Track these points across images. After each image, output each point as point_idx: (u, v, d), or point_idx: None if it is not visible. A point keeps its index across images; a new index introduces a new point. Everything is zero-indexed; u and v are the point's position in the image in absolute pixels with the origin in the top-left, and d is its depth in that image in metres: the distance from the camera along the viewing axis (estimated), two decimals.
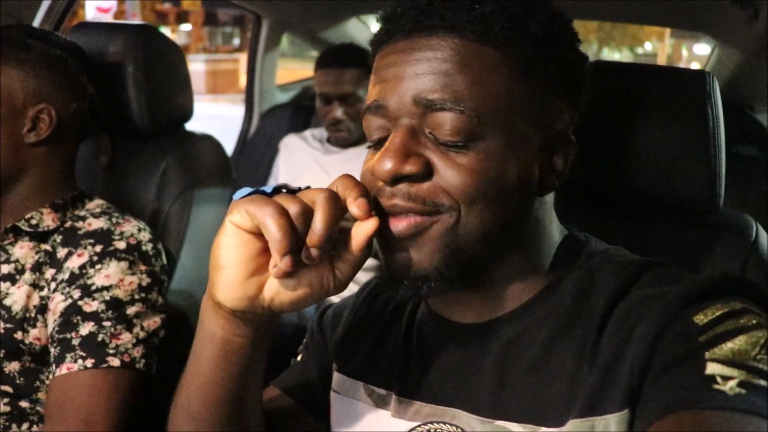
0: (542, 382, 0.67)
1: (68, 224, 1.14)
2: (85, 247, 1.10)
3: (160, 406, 0.81)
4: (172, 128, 1.43)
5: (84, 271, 1.08)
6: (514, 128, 0.66)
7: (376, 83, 0.69)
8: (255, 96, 2.97)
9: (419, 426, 0.73)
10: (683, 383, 0.57)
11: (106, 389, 1.02)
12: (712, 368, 0.57)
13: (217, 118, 4.71)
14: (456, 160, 0.64)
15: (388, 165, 0.64)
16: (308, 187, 0.65)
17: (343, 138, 2.21)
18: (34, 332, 1.08)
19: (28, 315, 1.08)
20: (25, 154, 1.14)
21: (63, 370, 1.02)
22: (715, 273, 0.65)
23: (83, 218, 1.15)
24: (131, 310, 1.08)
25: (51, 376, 1.04)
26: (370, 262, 1.98)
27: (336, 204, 0.62)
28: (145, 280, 1.11)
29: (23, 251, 1.12)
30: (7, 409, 1.09)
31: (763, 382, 0.56)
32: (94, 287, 1.07)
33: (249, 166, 2.71)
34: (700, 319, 0.60)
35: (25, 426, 1.10)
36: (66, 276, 1.08)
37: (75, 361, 1.02)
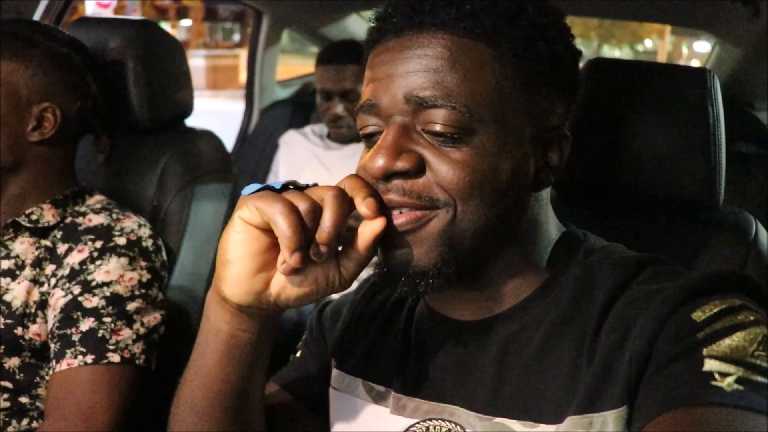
0: (541, 379, 0.67)
1: (68, 220, 1.14)
2: (86, 243, 1.10)
3: (160, 401, 0.82)
4: (172, 124, 1.43)
5: (84, 267, 1.08)
6: (506, 123, 0.66)
7: (368, 82, 0.70)
8: (255, 92, 2.97)
9: (418, 423, 0.73)
10: (681, 380, 0.57)
11: (106, 385, 1.02)
12: (709, 365, 0.57)
13: (217, 113, 4.71)
14: (449, 155, 0.65)
15: (380, 162, 0.64)
16: (315, 185, 0.65)
17: (344, 134, 2.21)
18: (34, 328, 1.08)
19: (28, 311, 1.08)
20: (27, 151, 1.13)
21: (63, 365, 1.02)
22: (713, 269, 0.65)
23: (83, 214, 1.15)
24: (131, 306, 1.08)
25: (51, 372, 1.04)
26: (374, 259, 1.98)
27: (345, 202, 0.63)
28: (146, 276, 1.12)
29: (23, 247, 1.12)
30: (7, 404, 1.09)
31: (761, 379, 0.56)
32: (94, 283, 1.07)
33: (249, 162, 2.71)
34: (698, 315, 0.60)
35: (25, 422, 1.10)
36: (66, 272, 1.08)
37: (75, 357, 1.02)
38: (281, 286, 0.66)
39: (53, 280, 1.09)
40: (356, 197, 0.64)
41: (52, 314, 1.07)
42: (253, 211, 0.63)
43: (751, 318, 0.60)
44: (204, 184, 1.39)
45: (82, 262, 1.08)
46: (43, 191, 1.16)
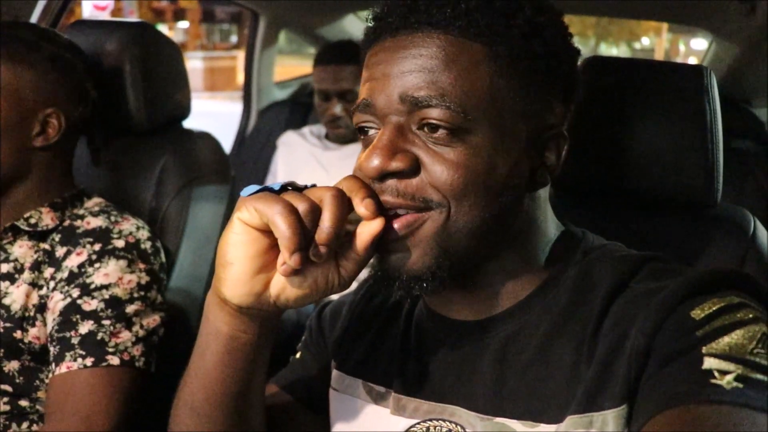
0: (541, 379, 0.67)
1: (67, 223, 1.14)
2: (84, 246, 1.10)
3: (160, 404, 0.81)
4: (169, 126, 1.43)
5: (83, 270, 1.08)
6: (501, 122, 0.66)
7: (365, 81, 0.70)
8: (253, 93, 2.97)
9: (418, 423, 0.73)
10: (680, 378, 0.57)
11: (106, 388, 1.02)
12: (709, 363, 0.57)
13: (214, 115, 4.71)
14: (444, 155, 0.65)
15: (375, 162, 0.64)
16: (314, 185, 0.65)
17: (342, 134, 2.21)
18: (33, 331, 1.08)
19: (27, 314, 1.08)
20: (30, 157, 1.13)
21: (62, 368, 1.02)
22: (712, 267, 0.66)
23: (82, 217, 1.15)
24: (130, 309, 1.08)
25: (50, 375, 1.04)
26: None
27: (343, 203, 0.63)
28: (144, 279, 1.11)
29: (22, 250, 1.12)
30: (7, 408, 1.09)
31: (760, 376, 0.56)
32: (93, 286, 1.06)
33: (247, 163, 2.71)
34: (697, 313, 0.60)
35: (24, 425, 1.10)
36: (65, 275, 1.08)
37: (74, 360, 1.02)
38: (281, 287, 0.66)
39: (52, 284, 1.09)
40: (355, 198, 0.64)
41: (51, 317, 1.07)
42: (252, 212, 0.63)
43: (750, 316, 0.60)
44: (202, 186, 1.39)
45: (81, 265, 1.08)
46: (42, 195, 1.16)
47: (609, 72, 0.94)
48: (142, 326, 1.08)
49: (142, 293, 1.10)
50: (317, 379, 0.86)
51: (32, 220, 1.13)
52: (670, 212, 0.94)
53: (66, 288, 1.07)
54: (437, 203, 0.65)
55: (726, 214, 0.94)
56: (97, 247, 1.10)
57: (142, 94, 1.33)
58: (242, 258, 0.65)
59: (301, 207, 0.61)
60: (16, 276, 1.10)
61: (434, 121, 0.64)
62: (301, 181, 0.67)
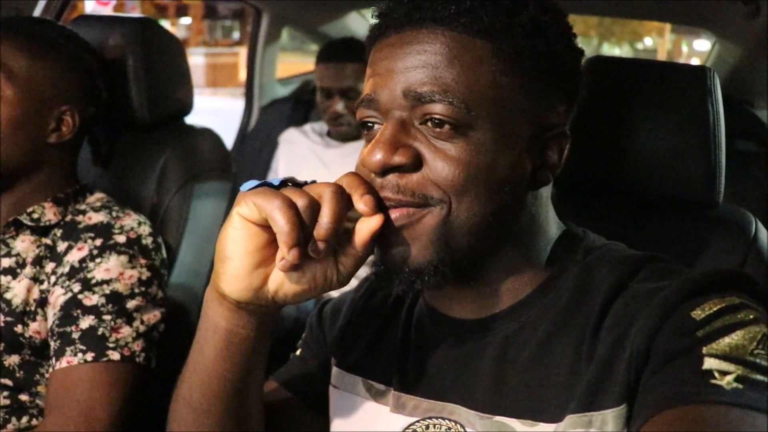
0: (541, 378, 0.67)
1: (69, 218, 1.14)
2: (85, 241, 1.10)
3: (160, 399, 0.81)
4: (171, 122, 1.43)
5: (84, 265, 1.08)
6: (503, 120, 0.66)
7: (369, 77, 0.70)
8: (255, 90, 2.96)
9: (418, 421, 0.73)
10: (680, 378, 0.57)
11: (106, 383, 1.02)
12: (709, 363, 0.57)
13: (216, 111, 4.70)
14: (445, 151, 0.65)
15: (377, 156, 0.64)
16: (314, 181, 0.65)
17: (344, 132, 2.21)
18: (34, 326, 1.08)
19: (28, 308, 1.08)
20: (42, 152, 1.14)
21: (63, 363, 1.02)
22: (713, 267, 0.65)
23: (83, 212, 1.15)
24: (131, 304, 1.08)
25: (51, 370, 1.04)
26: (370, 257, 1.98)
27: (343, 199, 0.63)
28: (145, 274, 1.12)
29: (24, 245, 1.12)
30: (7, 402, 1.09)
31: (760, 377, 0.56)
32: (94, 281, 1.07)
33: (249, 159, 2.71)
34: (698, 314, 0.60)
35: (24, 419, 1.10)
36: (66, 269, 1.08)
37: (75, 355, 1.02)
38: (279, 282, 0.66)
39: (53, 278, 1.09)
40: (354, 194, 0.64)
41: (52, 312, 1.07)
42: (251, 207, 0.63)
43: (751, 316, 0.60)
44: (204, 182, 1.39)
45: (82, 260, 1.08)
46: (47, 190, 1.17)
47: (611, 72, 0.94)
48: (142, 322, 1.08)
49: (143, 289, 1.10)
50: (317, 376, 0.86)
51: (35, 215, 1.13)
52: (672, 212, 0.94)
53: (67, 283, 1.07)
54: (438, 200, 0.65)
55: (727, 214, 0.94)
56: (98, 242, 1.10)
57: (145, 89, 1.33)
58: (241, 253, 0.65)
59: (300, 202, 0.62)
60: (18, 270, 1.10)
61: (437, 117, 0.64)
62: (302, 179, 0.67)
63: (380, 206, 0.66)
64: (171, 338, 1.14)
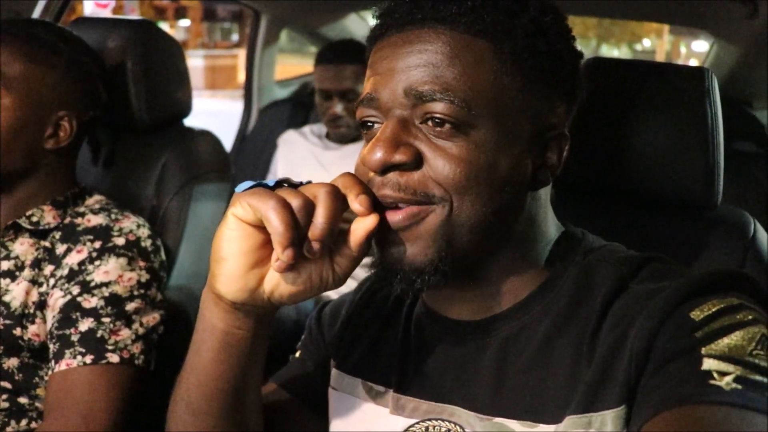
0: (540, 379, 0.67)
1: (68, 220, 1.14)
2: (84, 244, 1.10)
3: (159, 401, 0.81)
4: (170, 124, 1.43)
5: (83, 268, 1.08)
6: (504, 119, 0.66)
7: (370, 76, 0.70)
8: (254, 92, 2.97)
9: (417, 423, 0.73)
10: (680, 379, 0.57)
11: (105, 385, 1.02)
12: (708, 364, 0.57)
13: (215, 113, 4.70)
14: (446, 150, 0.65)
15: (378, 154, 0.65)
16: (309, 182, 0.65)
17: (343, 134, 2.21)
18: (32, 328, 1.08)
19: (27, 311, 1.08)
20: (39, 157, 1.14)
21: (62, 366, 1.02)
22: (712, 268, 0.65)
23: (82, 214, 1.15)
24: (130, 306, 1.08)
25: (50, 372, 1.04)
26: (368, 258, 1.98)
27: (338, 199, 0.63)
28: (144, 276, 1.11)
29: (23, 248, 1.12)
30: (6, 405, 1.09)
31: (759, 378, 0.56)
32: (93, 283, 1.07)
33: (248, 161, 2.71)
34: (697, 315, 0.61)
35: (24, 422, 1.10)
36: (65, 272, 1.08)
37: (74, 357, 1.02)
38: (275, 283, 0.66)
39: (52, 281, 1.09)
40: (349, 194, 0.64)
41: (51, 315, 1.07)
42: (246, 207, 0.63)
43: (750, 317, 0.60)
44: (203, 184, 1.39)
45: (81, 263, 1.08)
46: (46, 194, 1.16)
47: (610, 73, 0.94)
48: (141, 324, 1.08)
49: (142, 291, 1.10)
50: (316, 378, 0.86)
51: (34, 218, 1.13)
52: (671, 214, 0.94)
53: (66, 285, 1.07)
54: (439, 198, 0.65)
55: (726, 215, 0.94)
56: (97, 244, 1.10)
57: (144, 91, 1.33)
58: (236, 254, 0.65)
59: (295, 203, 0.62)
60: (17, 273, 1.10)
61: (438, 116, 0.64)
62: (300, 181, 0.67)
63: (377, 207, 0.66)
64: (170, 340, 1.14)
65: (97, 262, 1.08)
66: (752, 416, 0.54)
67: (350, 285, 0.92)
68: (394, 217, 0.66)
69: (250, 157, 2.72)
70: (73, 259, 1.09)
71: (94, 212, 1.15)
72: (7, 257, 1.11)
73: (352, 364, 0.81)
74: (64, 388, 1.02)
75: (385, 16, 0.70)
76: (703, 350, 0.58)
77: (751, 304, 0.62)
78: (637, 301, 0.65)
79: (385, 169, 0.65)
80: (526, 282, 0.72)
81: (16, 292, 1.09)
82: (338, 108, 2.15)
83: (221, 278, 0.66)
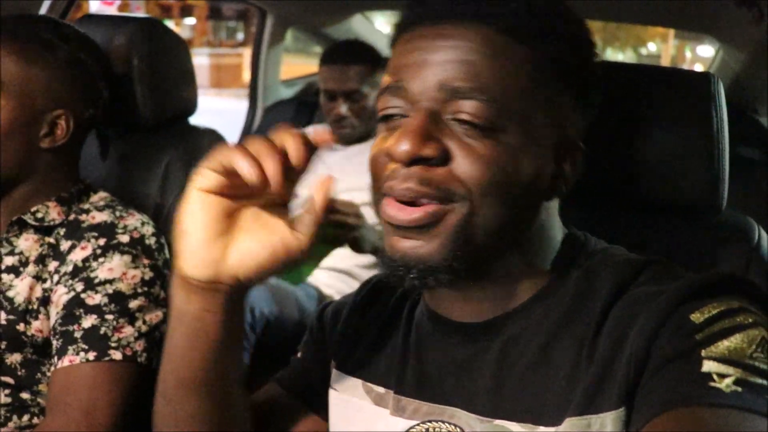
0: (541, 381, 0.67)
1: (72, 217, 1.14)
2: (89, 240, 1.10)
3: None
4: (176, 122, 1.43)
5: (87, 264, 1.08)
6: (533, 126, 0.66)
7: (397, 67, 0.69)
8: (259, 91, 2.97)
9: (418, 424, 0.73)
10: (679, 381, 0.57)
11: (108, 382, 1.02)
12: (708, 366, 0.57)
13: (220, 112, 4.70)
14: (474, 149, 0.64)
15: (405, 146, 0.64)
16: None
17: (347, 134, 2.21)
18: (36, 324, 1.08)
19: (30, 307, 1.08)
20: (35, 157, 1.13)
21: (65, 362, 1.03)
22: (712, 271, 0.66)
23: (87, 211, 1.15)
24: (134, 304, 1.08)
25: (53, 369, 1.05)
26: (370, 259, 1.98)
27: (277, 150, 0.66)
28: (148, 274, 1.12)
29: (28, 243, 1.13)
30: (8, 400, 1.10)
31: (759, 380, 0.56)
32: (97, 280, 1.07)
33: None
34: (697, 317, 0.60)
35: (25, 418, 1.10)
36: (69, 269, 1.08)
37: (77, 354, 1.02)
38: (240, 254, 0.67)
39: (56, 277, 1.09)
40: (287, 142, 0.68)
41: (55, 311, 1.07)
42: (206, 174, 0.65)
43: (750, 320, 0.60)
44: None
45: (85, 260, 1.08)
46: (48, 191, 1.16)
47: (615, 77, 0.94)
48: (145, 322, 1.08)
49: (146, 289, 1.10)
50: (318, 378, 0.86)
51: (39, 215, 1.14)
52: (674, 218, 0.94)
53: (70, 282, 1.07)
54: (461, 196, 0.65)
55: (730, 221, 0.94)
56: (101, 241, 1.10)
57: (149, 89, 1.33)
58: (199, 225, 0.66)
59: (251, 148, 0.64)
60: (21, 269, 1.10)
61: (470, 113, 0.64)
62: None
63: (387, 194, 0.67)
64: None
65: (101, 259, 1.08)
66: (752, 419, 0.54)
67: (352, 285, 0.92)
68: (413, 215, 0.65)
69: None
70: (77, 256, 1.09)
71: (99, 209, 1.16)
72: (12, 253, 1.12)
73: (353, 364, 0.81)
74: (66, 384, 1.02)
75: (418, 5, 0.69)
76: (703, 352, 0.58)
77: (751, 307, 0.62)
78: (637, 304, 0.65)
79: (411, 161, 0.65)
80: (529, 285, 0.72)
81: (20, 288, 1.09)
82: (343, 108, 2.15)
83: (185, 254, 0.67)
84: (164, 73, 1.37)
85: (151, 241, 1.15)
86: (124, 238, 1.12)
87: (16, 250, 1.12)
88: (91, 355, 1.02)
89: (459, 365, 0.73)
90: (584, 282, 0.70)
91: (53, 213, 1.14)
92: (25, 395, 1.10)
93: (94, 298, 1.06)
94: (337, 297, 2.10)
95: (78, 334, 1.04)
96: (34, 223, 1.13)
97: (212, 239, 0.66)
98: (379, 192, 0.69)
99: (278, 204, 0.70)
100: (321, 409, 0.84)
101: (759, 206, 1.97)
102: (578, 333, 0.67)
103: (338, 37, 2.80)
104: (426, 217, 0.65)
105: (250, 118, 2.98)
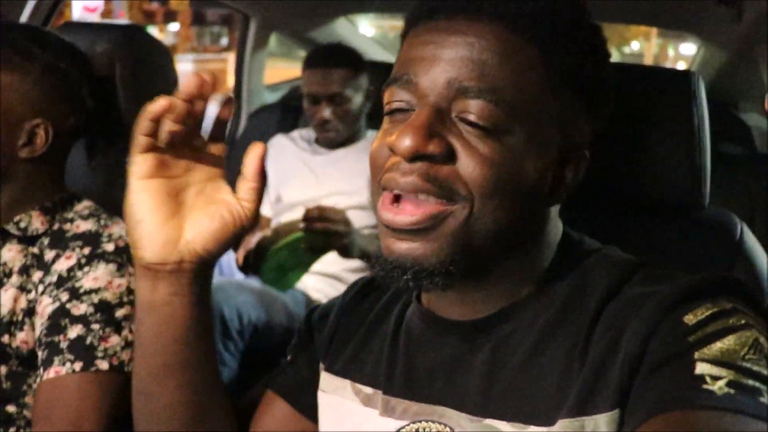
0: (532, 381, 0.67)
1: (56, 226, 1.13)
2: (73, 250, 1.09)
3: None
4: None
5: (72, 274, 1.07)
6: (539, 130, 0.66)
7: (406, 59, 0.68)
8: (243, 96, 2.96)
9: (408, 425, 0.73)
10: (672, 383, 0.58)
11: (95, 393, 1.01)
12: (701, 368, 0.57)
13: (205, 117, 4.69)
14: (479, 149, 0.64)
15: (410, 141, 0.63)
16: None
17: (331, 138, 2.20)
18: (21, 336, 1.07)
19: (15, 318, 1.07)
20: (16, 167, 1.12)
21: (51, 373, 1.02)
22: (705, 273, 0.66)
23: (71, 220, 1.14)
24: (120, 313, 1.07)
25: (39, 380, 1.03)
26: (358, 263, 1.98)
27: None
28: (134, 283, 1.11)
29: (11, 254, 1.11)
30: None
31: (751, 382, 0.56)
32: (82, 290, 1.06)
33: (237, 166, 2.68)
34: (690, 319, 0.61)
35: (12, 431, 1.09)
36: (54, 279, 1.07)
37: (63, 365, 1.01)
38: (195, 230, 0.71)
39: (41, 287, 1.08)
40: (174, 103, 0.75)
41: (40, 322, 1.06)
42: (138, 160, 0.71)
43: (743, 322, 0.60)
44: None
45: (70, 269, 1.07)
46: (31, 200, 1.15)
47: None
48: (131, 331, 1.07)
49: (132, 297, 1.09)
50: (307, 381, 0.86)
51: (22, 224, 1.12)
52: (657, 216, 0.94)
53: (55, 292, 1.06)
54: (463, 197, 0.64)
55: (713, 217, 0.94)
56: (86, 250, 1.09)
57: (133, 97, 1.32)
58: (148, 211, 0.70)
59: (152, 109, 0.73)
60: (4, 280, 1.09)
61: (477, 114, 0.63)
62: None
63: (387, 190, 0.67)
64: None
65: (86, 269, 1.07)
66: (745, 420, 0.54)
67: (340, 290, 0.92)
68: (411, 218, 0.65)
69: (239, 161, 2.69)
70: (62, 266, 1.08)
71: (83, 218, 1.14)
72: None
73: (341, 366, 0.81)
74: (53, 395, 1.01)
75: None
76: (696, 354, 0.58)
77: (743, 308, 0.62)
78: (630, 305, 0.65)
79: (414, 157, 0.64)
80: (525, 285, 0.72)
81: (4, 299, 1.08)
82: (326, 112, 2.14)
83: (142, 242, 0.70)
84: (147, 80, 1.36)
85: None
86: (109, 247, 1.11)
87: (0, 261, 1.11)
88: (78, 366, 1.01)
89: (450, 364, 0.72)
90: (577, 282, 0.70)
91: (36, 222, 1.13)
92: (11, 408, 1.09)
93: (80, 308, 1.05)
94: (322, 297, 2.10)
95: (64, 345, 1.03)
96: (17, 233, 1.11)
97: (165, 221, 0.69)
98: (378, 185, 0.69)
99: (217, 177, 0.76)
100: (310, 411, 0.84)
101: (741, 202, 1.99)
102: (571, 333, 0.67)
103: (322, 40, 2.80)
104: (424, 221, 0.64)
105: (234, 124, 2.96)
